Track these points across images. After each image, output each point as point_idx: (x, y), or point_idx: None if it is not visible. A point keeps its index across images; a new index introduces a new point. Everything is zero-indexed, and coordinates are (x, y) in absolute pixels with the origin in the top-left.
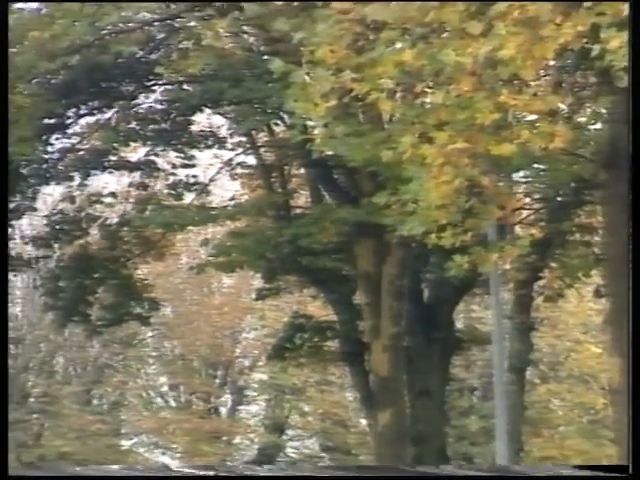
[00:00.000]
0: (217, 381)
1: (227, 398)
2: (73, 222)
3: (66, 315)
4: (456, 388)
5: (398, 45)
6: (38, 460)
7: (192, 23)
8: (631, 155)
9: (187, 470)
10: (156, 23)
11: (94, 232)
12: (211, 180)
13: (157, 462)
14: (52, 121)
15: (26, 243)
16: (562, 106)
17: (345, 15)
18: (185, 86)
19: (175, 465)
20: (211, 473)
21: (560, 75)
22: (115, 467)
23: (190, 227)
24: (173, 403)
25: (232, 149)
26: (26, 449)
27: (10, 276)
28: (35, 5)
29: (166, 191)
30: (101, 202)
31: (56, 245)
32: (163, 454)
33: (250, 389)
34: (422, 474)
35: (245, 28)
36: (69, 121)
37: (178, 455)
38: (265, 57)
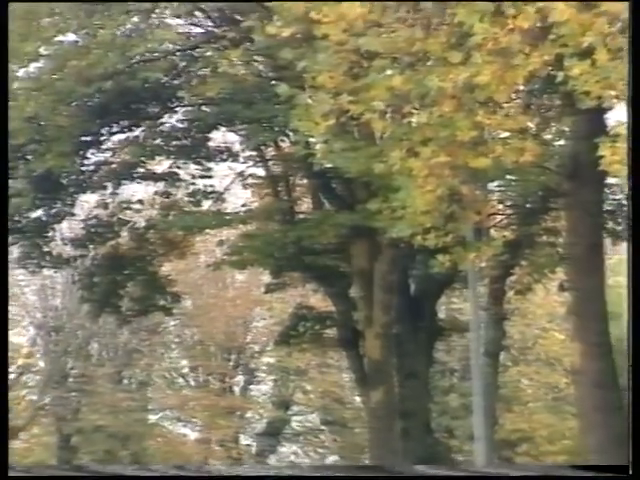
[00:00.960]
0: (231, 364)
1: (240, 378)
2: (106, 226)
3: (100, 306)
4: (439, 370)
5: (388, 72)
6: (77, 433)
7: (209, 53)
8: (631, 154)
9: (187, 471)
10: (178, 53)
11: (124, 234)
12: (226, 189)
13: (179, 433)
14: (88, 138)
15: (65, 244)
16: (531, 125)
17: (342, 46)
18: (203, 107)
19: (194, 436)
20: (211, 473)
21: (529, 98)
22: (115, 467)
23: (207, 230)
24: (193, 383)
25: (244, 162)
26: (65, 422)
27: (51, 272)
28: (72, 37)
29: (187, 199)
30: (130, 208)
31: (91, 246)
32: (184, 427)
33: (259, 371)
34: (421, 474)
35: (255, 57)
36: (103, 138)
37: (197, 428)
38: (273, 82)
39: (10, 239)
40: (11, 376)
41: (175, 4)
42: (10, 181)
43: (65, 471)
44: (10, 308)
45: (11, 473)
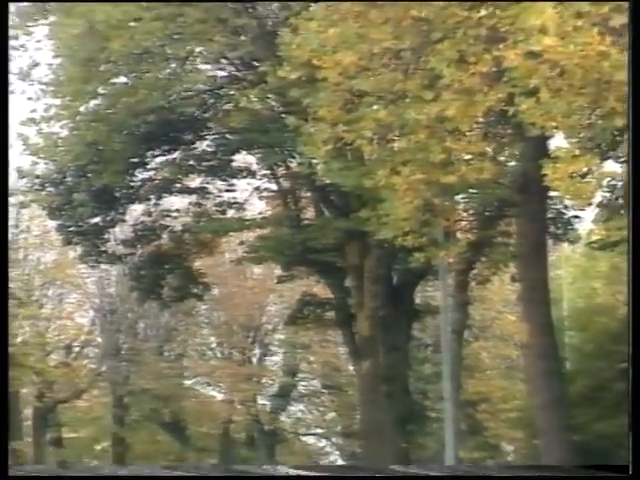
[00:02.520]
0: (249, 340)
1: (257, 351)
2: (150, 230)
3: (146, 293)
4: (415, 344)
5: (375, 107)
6: (128, 394)
7: (232, 92)
8: (631, 155)
9: (188, 471)
10: (207, 92)
11: (164, 237)
12: (245, 200)
13: (209, 395)
14: (136, 160)
15: (118, 244)
16: (488, 149)
17: (338, 86)
18: (228, 135)
19: (220, 397)
20: (211, 474)
21: (487, 128)
22: (115, 467)
23: (231, 233)
24: (219, 355)
25: (260, 179)
26: (118, 386)
27: (107, 266)
28: (123, 79)
29: (214, 208)
30: (169, 215)
31: (138, 245)
32: (213, 390)
33: (272, 345)
34: (422, 473)
35: (269, 95)
36: (147, 160)
37: (223, 391)
38: (283, 115)
39: (74, 240)
40: (75, 349)
41: (205, 53)
42: (74, 194)
43: (65, 471)
44: (75, 295)
45: (11, 473)
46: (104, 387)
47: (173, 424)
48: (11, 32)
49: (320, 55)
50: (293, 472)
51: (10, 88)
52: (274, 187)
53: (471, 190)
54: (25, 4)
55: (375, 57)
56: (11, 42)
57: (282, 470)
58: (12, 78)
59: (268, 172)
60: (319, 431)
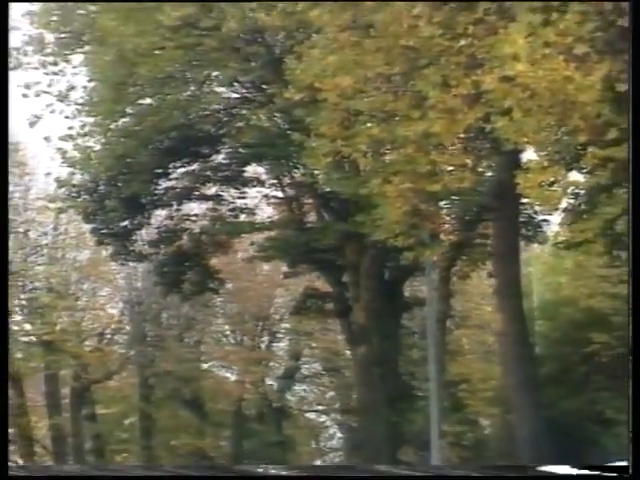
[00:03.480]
0: (259, 328)
1: (265, 338)
2: (172, 232)
3: (168, 287)
4: (404, 332)
5: (369, 124)
6: (153, 376)
7: (244, 111)
8: (631, 156)
9: (188, 471)
10: (222, 111)
11: (185, 238)
12: (255, 206)
13: (223, 376)
14: (160, 170)
15: (144, 245)
16: (468, 161)
17: (336, 106)
18: (240, 149)
19: (233, 378)
20: (211, 474)
21: (467, 143)
22: (115, 467)
23: (243, 234)
24: (232, 341)
25: (268, 187)
26: (145, 369)
27: (135, 264)
28: (149, 100)
29: (228, 213)
30: (189, 219)
31: (162, 246)
32: (227, 372)
33: (279, 333)
34: (424, 474)
35: (276, 114)
36: (170, 170)
37: (236, 373)
38: (288, 132)
39: (106, 241)
40: (107, 336)
41: (220, 77)
42: (106, 201)
43: (65, 471)
44: (106, 289)
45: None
46: (132, 369)
47: (192, 401)
48: (50, 59)
49: (321, 79)
50: (294, 472)
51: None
52: (280, 194)
53: (453, 197)
54: (63, 35)
55: (369, 81)
56: (51, 68)
57: (277, 471)
58: (52, 99)
59: (275, 181)
60: (320, 408)
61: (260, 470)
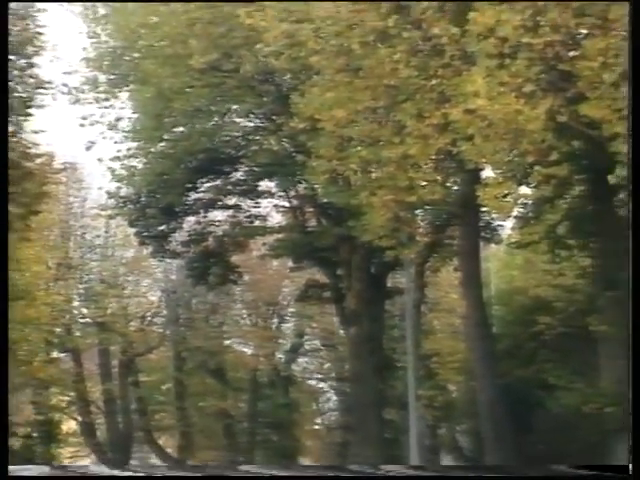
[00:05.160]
0: (270, 312)
1: (275, 320)
2: (200, 234)
3: (197, 279)
4: (387, 315)
5: (359, 148)
6: (184, 350)
7: (257, 137)
8: (631, 157)
9: (189, 472)
10: (240, 137)
11: (210, 239)
12: (267, 214)
13: (241, 350)
14: (190, 185)
15: (177, 245)
16: (439, 178)
17: (333, 133)
18: (255, 168)
19: (250, 352)
20: (211, 474)
21: (437, 163)
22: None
23: (257, 236)
24: (248, 322)
25: (277, 198)
26: (178, 344)
27: (170, 260)
28: (181, 128)
29: (245, 219)
30: (213, 224)
31: (192, 245)
32: (244, 347)
33: (286, 316)
34: (424, 474)
35: (284, 139)
36: (198, 185)
37: (251, 348)
38: (294, 154)
39: (147, 242)
40: (147, 318)
41: (238, 110)
42: (147, 209)
43: (65, 471)
44: (147, 280)
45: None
46: (168, 345)
47: (217, 371)
48: (102, 95)
49: (320, 111)
50: (294, 472)
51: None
52: (287, 204)
53: (427, 207)
54: (113, 76)
55: (359, 113)
56: (103, 103)
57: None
58: (103, 128)
59: (283, 194)
60: (319, 376)
61: (260, 470)
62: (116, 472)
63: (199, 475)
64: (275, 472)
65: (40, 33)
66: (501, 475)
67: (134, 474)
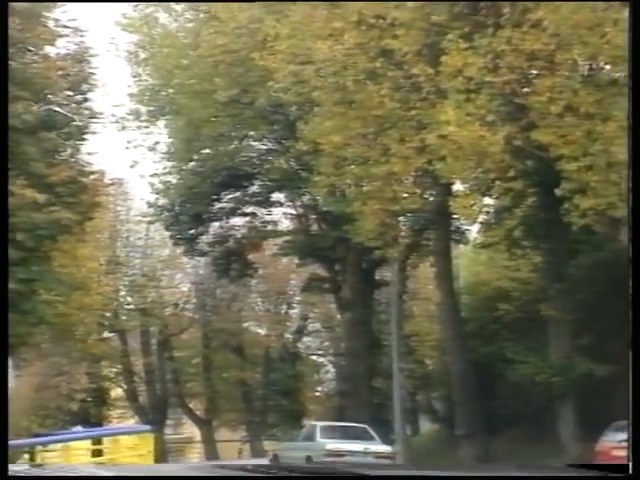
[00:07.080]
0: (280, 300)
1: (284, 306)
2: (222, 237)
3: (220, 273)
4: (376, 303)
5: (352, 166)
6: (210, 331)
7: (270, 158)
8: (631, 158)
9: (191, 472)
10: (255, 157)
11: (231, 241)
12: (278, 220)
13: (257, 332)
14: (215, 197)
15: (204, 245)
16: (418, 191)
17: (331, 154)
18: (268, 182)
19: (264, 333)
20: (212, 474)
21: (417, 178)
22: (117, 467)
23: (270, 238)
24: (262, 308)
25: (286, 207)
26: (204, 326)
27: (199, 258)
28: (207, 150)
29: (260, 224)
30: (234, 229)
31: (216, 246)
32: (259, 328)
33: (294, 303)
34: (424, 474)
35: (291, 160)
36: (221, 197)
37: (265, 329)
38: (299, 171)
39: (180, 243)
40: (180, 305)
41: (254, 135)
42: (179, 216)
43: (65, 471)
44: (180, 275)
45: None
46: (197, 327)
47: (237, 348)
48: (144, 124)
49: (321, 136)
50: (293, 473)
51: (140, 156)
52: (294, 212)
53: (408, 214)
54: (152, 108)
55: (352, 138)
56: (144, 130)
57: (277, 471)
58: (144, 150)
59: (291, 203)
60: (320, 352)
61: (261, 470)
62: (117, 472)
63: (199, 475)
64: (274, 472)
65: (93, 73)
66: (501, 475)
67: (134, 474)
